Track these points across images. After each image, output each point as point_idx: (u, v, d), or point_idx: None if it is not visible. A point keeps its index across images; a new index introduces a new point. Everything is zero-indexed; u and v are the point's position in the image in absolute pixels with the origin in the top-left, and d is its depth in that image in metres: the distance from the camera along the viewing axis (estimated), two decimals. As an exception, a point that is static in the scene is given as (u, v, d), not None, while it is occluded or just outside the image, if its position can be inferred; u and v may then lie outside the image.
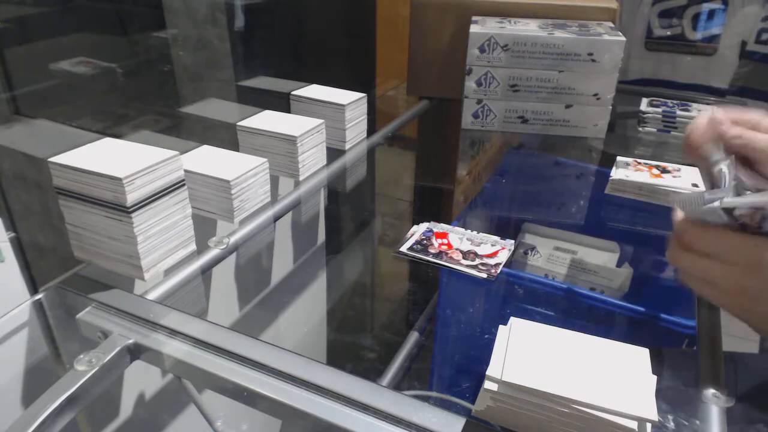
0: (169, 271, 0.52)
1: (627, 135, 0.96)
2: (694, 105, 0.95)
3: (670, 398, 0.42)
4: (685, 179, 0.72)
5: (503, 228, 0.85)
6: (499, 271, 0.57)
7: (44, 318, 0.50)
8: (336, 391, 0.40)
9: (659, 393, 0.34)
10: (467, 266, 0.58)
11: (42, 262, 0.52)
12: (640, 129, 0.94)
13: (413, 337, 0.65)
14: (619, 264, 0.77)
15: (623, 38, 0.82)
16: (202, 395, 0.49)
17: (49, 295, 0.50)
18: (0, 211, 0.49)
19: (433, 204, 1.12)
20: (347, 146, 0.77)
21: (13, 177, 0.66)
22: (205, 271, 0.55)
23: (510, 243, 0.62)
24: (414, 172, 1.15)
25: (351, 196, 0.86)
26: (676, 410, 0.42)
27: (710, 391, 0.42)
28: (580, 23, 0.90)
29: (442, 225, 0.65)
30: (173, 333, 0.45)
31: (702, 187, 0.51)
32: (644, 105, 0.95)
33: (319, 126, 0.69)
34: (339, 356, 0.92)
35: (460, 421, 0.37)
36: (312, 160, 0.69)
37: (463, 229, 0.64)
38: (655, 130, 0.94)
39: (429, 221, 0.65)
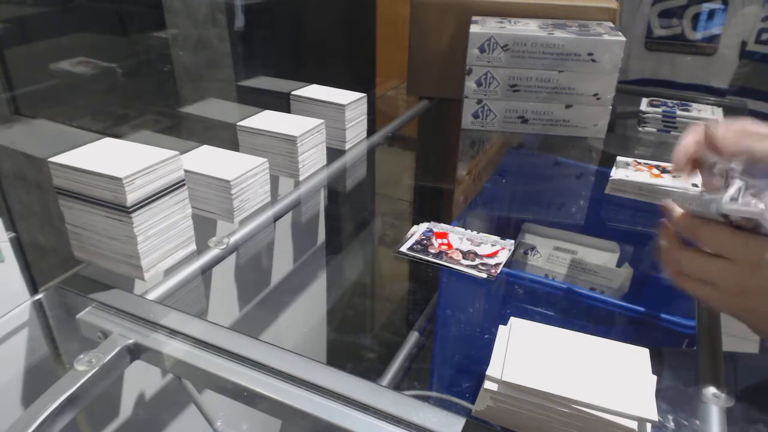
0: (169, 271, 0.52)
1: (627, 135, 0.96)
2: (694, 105, 0.95)
3: (670, 398, 0.42)
4: (685, 179, 0.72)
5: (503, 228, 0.85)
6: (499, 271, 0.57)
7: (44, 318, 0.50)
8: (336, 391, 0.40)
9: (659, 393, 0.34)
10: (467, 266, 0.58)
11: (42, 262, 0.52)
12: (640, 129, 0.94)
13: (413, 337, 0.64)
14: (619, 264, 0.77)
15: (623, 38, 0.82)
16: (202, 395, 0.49)
17: (49, 295, 0.50)
18: (0, 211, 0.49)
19: (433, 204, 1.12)
20: (347, 146, 0.77)
21: (13, 177, 0.66)
22: (205, 271, 0.55)
23: (510, 243, 0.62)
24: (414, 172, 1.15)
25: (351, 196, 0.86)
26: (676, 410, 0.42)
27: (710, 391, 0.42)
28: (580, 23, 0.90)
29: (442, 225, 0.65)
30: (173, 333, 0.45)
31: (702, 187, 0.51)
32: (644, 105, 0.95)
33: (319, 126, 0.69)
34: (339, 356, 0.92)
35: (460, 421, 0.37)
36: (312, 160, 0.69)
37: (463, 229, 0.64)
38: (655, 130, 0.94)
39: (429, 221, 0.65)
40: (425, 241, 0.62)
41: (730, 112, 0.98)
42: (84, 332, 0.48)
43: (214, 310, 0.66)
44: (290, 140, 0.65)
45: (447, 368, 0.70)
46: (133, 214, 0.46)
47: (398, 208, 1.10)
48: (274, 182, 0.68)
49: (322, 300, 0.93)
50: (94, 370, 0.42)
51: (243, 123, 0.67)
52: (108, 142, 0.51)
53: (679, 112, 0.92)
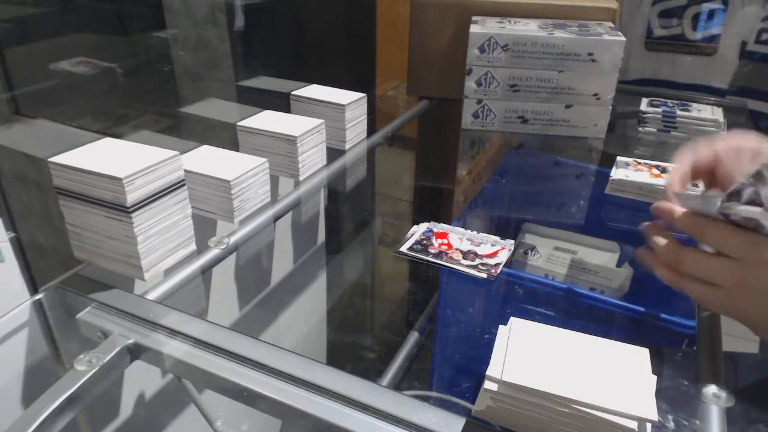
0: (169, 271, 0.52)
1: (627, 135, 0.96)
2: (694, 105, 0.95)
3: (670, 398, 0.42)
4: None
5: (503, 228, 0.85)
6: (499, 271, 0.57)
7: (44, 318, 0.50)
8: (336, 391, 0.40)
9: (659, 393, 0.34)
10: (467, 266, 0.58)
11: (42, 262, 0.52)
12: (640, 129, 0.94)
13: (413, 337, 0.64)
14: (619, 264, 0.77)
15: (623, 38, 0.82)
16: (202, 395, 0.49)
17: (49, 295, 0.50)
18: (0, 211, 0.49)
19: (433, 204, 1.12)
20: (347, 146, 0.77)
21: (13, 177, 0.66)
22: (205, 271, 0.55)
23: (510, 243, 0.62)
24: (414, 172, 1.15)
25: (351, 196, 0.86)
26: (676, 410, 0.42)
27: (710, 391, 0.42)
28: (580, 23, 0.90)
29: (442, 225, 0.65)
30: (173, 333, 0.45)
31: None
32: (644, 105, 0.95)
33: (319, 126, 0.69)
34: (339, 356, 0.92)
35: (460, 421, 0.37)
36: (312, 160, 0.69)
37: (463, 229, 0.64)
38: (655, 130, 0.94)
39: (429, 221, 0.65)
40: (425, 241, 0.62)
41: (730, 112, 0.98)
42: (84, 332, 0.48)
43: (214, 310, 0.66)
44: (290, 140, 0.65)
45: (447, 368, 0.70)
46: (133, 214, 0.46)
47: (398, 208, 1.10)
48: (274, 182, 0.68)
49: (322, 300, 0.93)
50: (94, 370, 0.42)
51: (243, 123, 0.67)
52: (108, 142, 0.51)
53: (679, 112, 0.92)
